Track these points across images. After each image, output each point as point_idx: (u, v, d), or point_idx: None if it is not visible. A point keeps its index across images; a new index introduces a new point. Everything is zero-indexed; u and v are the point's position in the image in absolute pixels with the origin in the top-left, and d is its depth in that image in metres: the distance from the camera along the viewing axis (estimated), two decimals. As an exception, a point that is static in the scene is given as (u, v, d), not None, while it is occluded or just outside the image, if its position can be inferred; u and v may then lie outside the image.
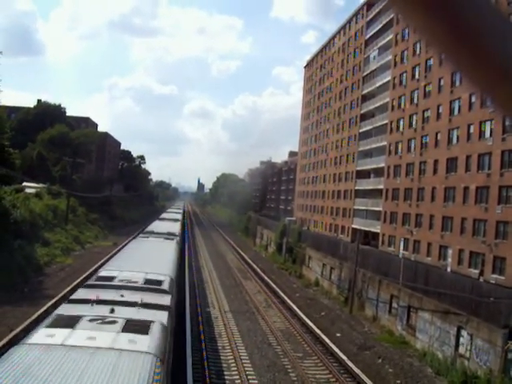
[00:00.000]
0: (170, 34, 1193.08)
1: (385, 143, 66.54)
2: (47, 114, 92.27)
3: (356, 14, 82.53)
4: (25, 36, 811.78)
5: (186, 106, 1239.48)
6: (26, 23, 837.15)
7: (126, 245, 43.23)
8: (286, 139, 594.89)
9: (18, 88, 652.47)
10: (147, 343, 10.42)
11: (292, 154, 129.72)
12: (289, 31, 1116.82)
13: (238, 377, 22.44)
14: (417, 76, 59.22)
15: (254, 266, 55.73)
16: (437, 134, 53.32)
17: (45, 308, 27.83)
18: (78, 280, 36.20)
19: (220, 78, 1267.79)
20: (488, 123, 44.84)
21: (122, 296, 14.43)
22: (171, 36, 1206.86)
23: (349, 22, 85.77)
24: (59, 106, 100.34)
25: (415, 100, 59.28)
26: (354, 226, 73.61)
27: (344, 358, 25.68)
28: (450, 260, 48.28)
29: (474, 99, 46.18)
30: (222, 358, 24.87)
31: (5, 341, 21.81)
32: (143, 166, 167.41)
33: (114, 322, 11.52)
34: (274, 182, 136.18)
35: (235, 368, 23.33)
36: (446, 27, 0.95)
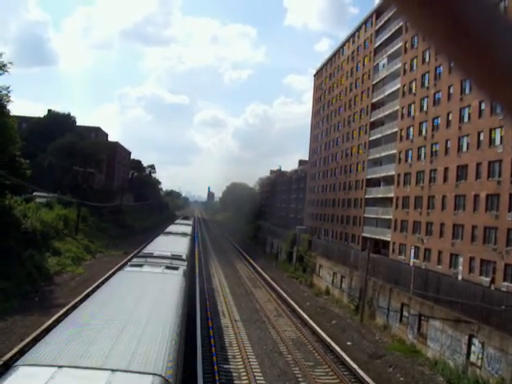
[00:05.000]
0: (182, 43, 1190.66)
1: (395, 151, 66.49)
2: (57, 124, 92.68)
3: (365, 23, 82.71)
4: (37, 46, 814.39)
5: (198, 115, 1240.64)
6: (39, 33, 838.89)
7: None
8: (296, 148, 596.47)
9: (31, 98, 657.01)
10: (178, 272, 20.76)
11: (302, 162, 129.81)
12: (302, 39, 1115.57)
13: (248, 386, 22.43)
14: (426, 84, 59.24)
15: (264, 275, 55.66)
16: (447, 142, 53.25)
17: (55, 317, 27.87)
18: (89, 289, 36.23)
19: (232, 87, 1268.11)
20: (498, 130, 44.81)
21: (160, 260, 24.01)
22: (184, 45, 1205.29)
23: (358, 30, 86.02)
24: (69, 115, 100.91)
25: (425, 108, 59.29)
26: (364, 234, 73.53)
27: (355, 366, 25.57)
28: (460, 268, 48.10)
29: (483, 106, 46.18)
30: (232, 367, 24.84)
31: (16, 350, 21.91)
32: (153, 175, 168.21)
33: (160, 266, 21.65)
34: (283, 190, 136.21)
35: (246, 377, 23.29)
36: (451, 31, 0.96)
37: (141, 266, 21.39)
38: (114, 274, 33.48)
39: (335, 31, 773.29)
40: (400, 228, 62.97)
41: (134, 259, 26.35)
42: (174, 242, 36.99)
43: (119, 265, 46.98)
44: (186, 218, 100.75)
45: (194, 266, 51.66)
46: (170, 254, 27.11)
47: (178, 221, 78.68)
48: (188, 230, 53.98)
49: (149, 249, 31.40)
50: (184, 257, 27.51)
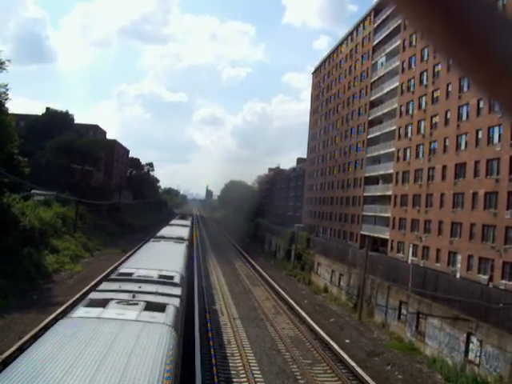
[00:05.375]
0: (181, 40, 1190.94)
1: (393, 149, 66.46)
2: (55, 122, 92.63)
3: (363, 21, 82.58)
4: (35, 44, 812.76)
5: (196, 113, 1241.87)
6: (37, 31, 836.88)
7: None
8: (294, 146, 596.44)
9: (29, 96, 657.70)
10: (164, 318, 12.72)
11: (300, 160, 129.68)
12: (301, 37, 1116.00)
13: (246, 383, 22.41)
14: (425, 82, 59.18)
15: (263, 273, 55.64)
16: (445, 140, 53.22)
17: (54, 315, 27.88)
18: (87, 287, 36.19)
19: (230, 85, 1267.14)
20: (496, 128, 44.77)
21: (140, 287, 16.51)
22: (182, 43, 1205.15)
23: (356, 28, 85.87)
24: (67, 113, 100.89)
25: (423, 106, 59.24)
26: (362, 232, 73.45)
27: (353, 364, 25.55)
28: (459, 266, 48.11)
29: (482, 104, 46.14)
30: (231, 364, 24.83)
31: (14, 347, 21.88)
32: (152, 173, 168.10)
33: (136, 304, 13.83)
34: (282, 188, 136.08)
35: (244, 375, 23.28)
36: (449, 29, 0.96)
37: (104, 304, 13.59)
38: (112, 271, 33.24)
39: (334, 29, 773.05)
40: (398, 226, 62.95)
41: (103, 285, 18.23)
42: (165, 252, 29.73)
43: (117, 263, 46.90)
44: (183, 217, 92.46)
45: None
46: (156, 274, 19.74)
47: (173, 221, 71.16)
48: (185, 232, 46.77)
49: (129, 265, 23.31)
50: (177, 279, 19.77)
